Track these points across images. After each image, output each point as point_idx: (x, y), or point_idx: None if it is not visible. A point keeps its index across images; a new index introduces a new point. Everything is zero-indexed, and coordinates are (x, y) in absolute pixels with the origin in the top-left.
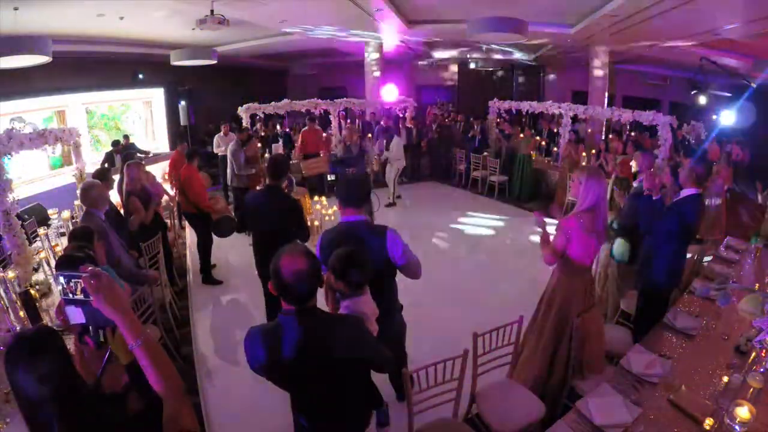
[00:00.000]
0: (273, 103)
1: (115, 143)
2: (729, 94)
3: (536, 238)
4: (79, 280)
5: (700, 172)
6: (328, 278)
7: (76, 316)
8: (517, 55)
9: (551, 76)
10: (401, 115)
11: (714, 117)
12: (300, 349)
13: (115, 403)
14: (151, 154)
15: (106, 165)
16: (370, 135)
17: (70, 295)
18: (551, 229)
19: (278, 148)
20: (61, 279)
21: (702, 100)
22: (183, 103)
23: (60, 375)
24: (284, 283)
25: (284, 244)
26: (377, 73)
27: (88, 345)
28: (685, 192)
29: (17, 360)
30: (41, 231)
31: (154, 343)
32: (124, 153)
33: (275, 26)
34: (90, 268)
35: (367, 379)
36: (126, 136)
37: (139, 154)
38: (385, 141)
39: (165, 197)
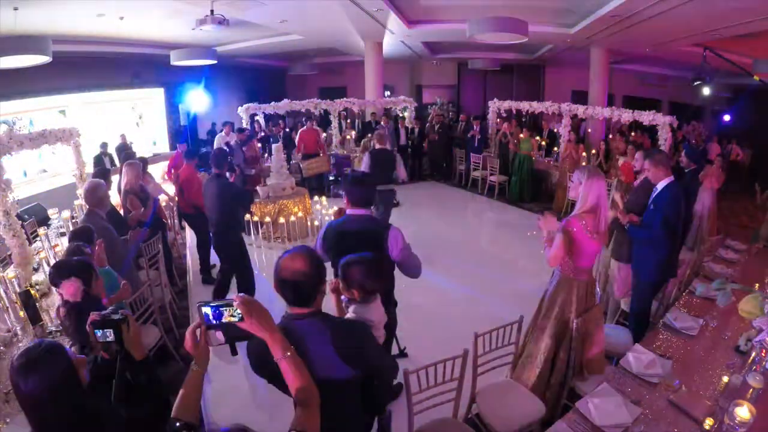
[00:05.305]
0: (273, 103)
1: (104, 145)
2: (729, 95)
3: (536, 239)
4: (227, 308)
5: (656, 161)
6: (337, 284)
7: (217, 337)
8: (517, 55)
9: (551, 76)
10: (401, 115)
11: (713, 117)
12: (302, 354)
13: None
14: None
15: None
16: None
17: (214, 321)
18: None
19: (278, 148)
20: (207, 309)
21: (705, 91)
22: (183, 103)
23: (66, 387)
24: (282, 282)
25: (229, 223)
26: (377, 73)
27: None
28: (661, 184)
29: (25, 375)
30: (41, 231)
31: (297, 356)
32: (123, 153)
33: (275, 26)
34: (241, 295)
35: (370, 386)
36: (122, 136)
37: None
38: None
39: (165, 197)
